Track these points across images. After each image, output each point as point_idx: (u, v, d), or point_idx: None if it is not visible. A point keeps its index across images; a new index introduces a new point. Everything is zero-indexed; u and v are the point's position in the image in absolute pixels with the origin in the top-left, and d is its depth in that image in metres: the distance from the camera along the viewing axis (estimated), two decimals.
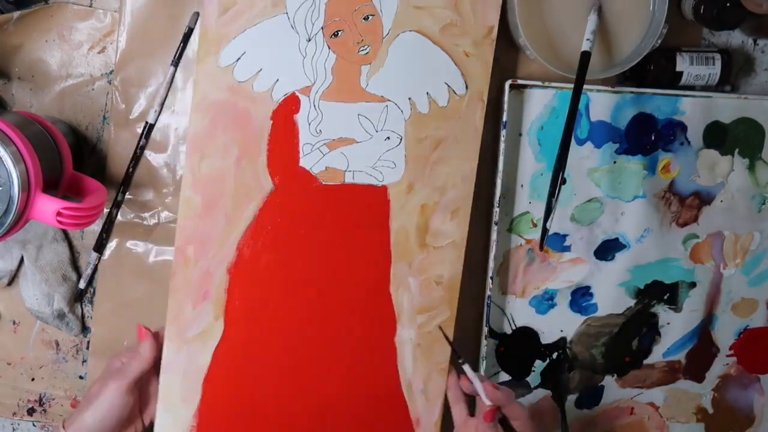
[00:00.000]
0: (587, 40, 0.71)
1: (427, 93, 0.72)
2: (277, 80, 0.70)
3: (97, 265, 0.76)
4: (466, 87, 0.73)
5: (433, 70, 0.72)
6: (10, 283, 0.76)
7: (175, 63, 0.72)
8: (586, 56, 0.70)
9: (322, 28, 0.70)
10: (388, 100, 0.72)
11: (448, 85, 0.72)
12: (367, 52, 0.71)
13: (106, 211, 0.75)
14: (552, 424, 0.86)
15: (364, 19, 0.70)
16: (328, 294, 0.74)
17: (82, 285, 0.76)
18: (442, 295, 0.75)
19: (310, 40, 0.70)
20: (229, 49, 0.69)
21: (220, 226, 0.71)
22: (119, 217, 0.76)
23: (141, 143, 0.73)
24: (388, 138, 0.72)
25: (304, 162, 0.72)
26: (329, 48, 0.70)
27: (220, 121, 0.70)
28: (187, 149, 0.70)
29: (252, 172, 0.71)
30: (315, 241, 0.73)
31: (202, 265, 0.71)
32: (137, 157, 0.73)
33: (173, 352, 0.72)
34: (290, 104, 0.71)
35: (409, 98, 0.72)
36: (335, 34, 0.70)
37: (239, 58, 0.69)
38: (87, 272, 0.76)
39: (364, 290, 0.74)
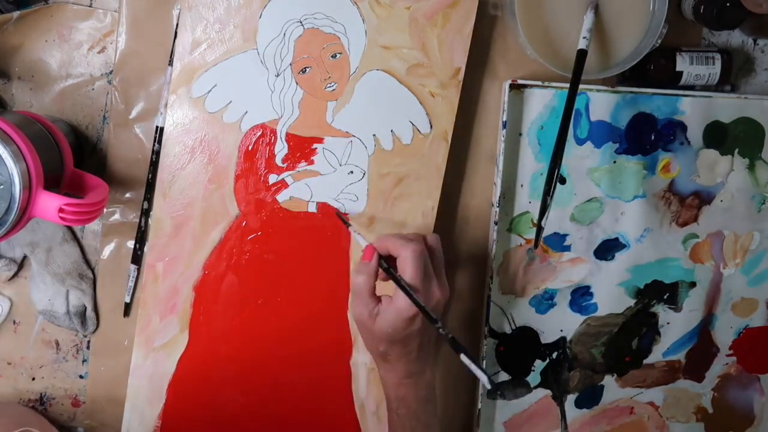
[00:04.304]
0: (584, 38, 0.71)
1: (392, 130, 0.74)
2: (246, 112, 0.72)
3: (137, 277, 0.76)
4: (431, 126, 0.75)
5: (399, 108, 0.74)
6: (13, 277, 0.76)
7: (171, 62, 0.72)
8: (582, 54, 0.70)
9: (290, 64, 0.72)
10: (353, 136, 0.74)
11: (413, 124, 0.75)
12: (333, 89, 0.73)
13: (134, 221, 0.76)
14: (552, 424, 0.86)
15: (332, 56, 0.72)
16: (288, 316, 0.77)
17: (127, 299, 0.77)
18: None
19: (278, 75, 0.72)
20: (201, 81, 0.71)
21: (187, 246, 0.74)
22: (119, 217, 0.76)
23: (155, 148, 0.73)
24: (352, 172, 0.75)
25: (269, 191, 0.74)
26: (297, 84, 0.72)
27: (190, 148, 0.72)
28: (159, 173, 0.73)
29: (219, 198, 0.73)
30: (277, 265, 0.75)
31: (170, 282, 0.74)
32: (155, 163, 0.73)
33: (141, 358, 0.76)
34: (258, 135, 0.73)
35: (374, 135, 0.74)
36: (303, 71, 0.72)
37: (210, 90, 0.72)
38: (129, 285, 0.76)
39: (323, 314, 0.78)
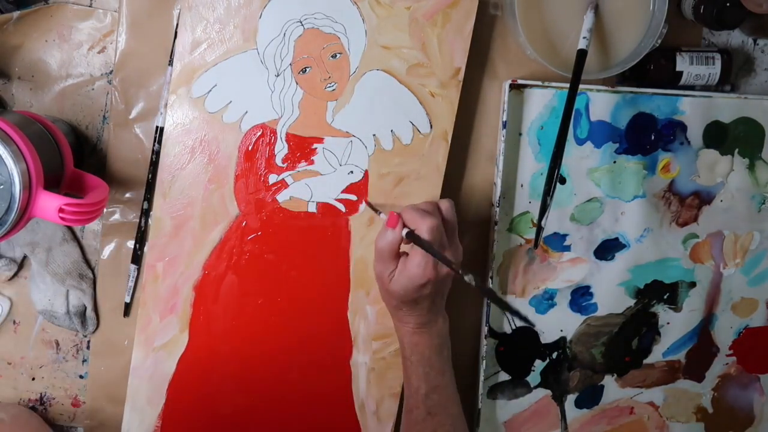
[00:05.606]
0: (584, 38, 0.71)
1: (392, 130, 0.74)
2: (246, 112, 0.72)
3: (137, 277, 0.76)
4: (431, 126, 0.75)
5: (399, 108, 0.74)
6: (13, 277, 0.76)
7: (171, 62, 0.72)
8: (582, 54, 0.70)
9: (290, 64, 0.72)
10: (353, 136, 0.74)
11: (413, 124, 0.75)
12: (333, 89, 0.73)
13: (134, 221, 0.76)
14: (552, 424, 0.86)
15: (332, 56, 0.72)
16: (288, 315, 0.77)
17: (127, 299, 0.77)
18: None
19: (278, 75, 0.72)
20: (201, 81, 0.71)
21: (187, 246, 0.74)
22: (119, 217, 0.76)
23: (155, 148, 0.73)
24: (352, 172, 0.75)
25: (269, 191, 0.74)
26: (297, 84, 0.72)
27: (190, 148, 0.72)
28: (159, 173, 0.73)
29: (219, 198, 0.73)
30: (277, 265, 0.76)
31: (170, 282, 0.74)
32: (155, 163, 0.73)
33: (141, 358, 0.76)
34: (258, 135, 0.73)
35: (374, 135, 0.74)
36: (303, 71, 0.72)
37: (210, 90, 0.72)
38: (129, 285, 0.76)
39: (323, 314, 0.78)
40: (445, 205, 0.70)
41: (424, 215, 0.67)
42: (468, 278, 0.62)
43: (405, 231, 0.67)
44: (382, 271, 0.69)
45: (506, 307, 0.63)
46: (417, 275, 0.66)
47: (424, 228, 0.66)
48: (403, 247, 0.69)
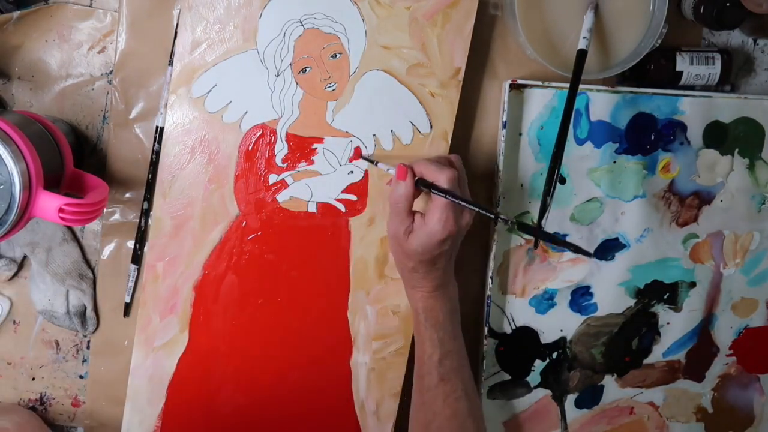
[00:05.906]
0: (584, 38, 0.71)
1: (392, 130, 0.74)
2: (246, 112, 0.72)
3: (137, 277, 0.76)
4: (431, 126, 0.75)
5: (398, 108, 0.74)
6: (13, 277, 0.76)
7: (171, 62, 0.72)
8: (582, 54, 0.70)
9: (290, 64, 0.72)
10: (353, 136, 0.74)
11: (413, 124, 0.75)
12: (333, 89, 0.73)
13: (134, 221, 0.76)
14: (552, 424, 0.86)
15: (332, 56, 0.72)
16: (287, 315, 0.77)
17: (127, 299, 0.77)
18: (398, 325, 0.78)
19: (278, 75, 0.72)
20: (201, 81, 0.71)
21: (187, 246, 0.74)
22: (119, 217, 0.76)
23: (155, 148, 0.73)
24: (352, 172, 0.75)
25: (269, 191, 0.74)
26: (297, 84, 0.72)
27: (190, 148, 0.72)
28: (159, 173, 0.73)
29: (219, 198, 0.73)
30: (277, 265, 0.76)
31: (170, 282, 0.74)
32: (155, 163, 0.73)
33: (141, 358, 0.76)
34: (258, 135, 0.73)
35: (374, 135, 0.74)
36: (303, 71, 0.72)
37: (210, 90, 0.72)
38: (129, 285, 0.76)
39: (323, 314, 0.78)
40: (456, 159, 0.71)
41: (442, 167, 0.67)
42: (504, 217, 0.64)
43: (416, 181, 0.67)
44: (398, 229, 0.68)
45: (561, 242, 0.65)
46: (437, 231, 0.66)
47: (443, 179, 0.66)
48: (416, 206, 0.69)
